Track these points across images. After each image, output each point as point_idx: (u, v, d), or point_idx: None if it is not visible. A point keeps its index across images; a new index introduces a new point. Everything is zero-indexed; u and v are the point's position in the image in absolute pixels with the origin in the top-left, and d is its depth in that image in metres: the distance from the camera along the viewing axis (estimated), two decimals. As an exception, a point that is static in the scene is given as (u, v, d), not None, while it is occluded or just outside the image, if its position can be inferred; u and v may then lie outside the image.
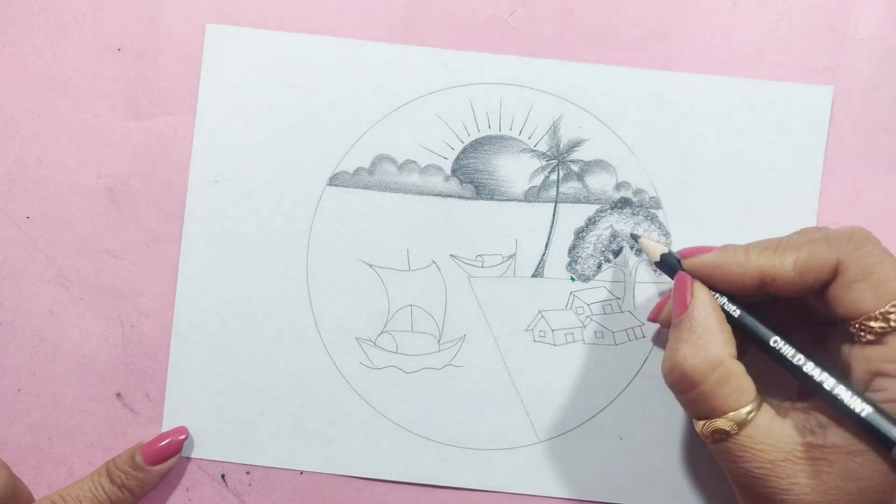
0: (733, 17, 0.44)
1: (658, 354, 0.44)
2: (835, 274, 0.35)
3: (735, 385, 0.35)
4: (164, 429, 0.44)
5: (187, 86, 0.45)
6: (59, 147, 0.45)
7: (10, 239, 0.45)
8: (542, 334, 0.44)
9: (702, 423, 0.36)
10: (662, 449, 0.44)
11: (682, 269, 0.39)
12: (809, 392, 0.36)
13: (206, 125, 0.44)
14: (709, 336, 0.36)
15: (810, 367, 0.35)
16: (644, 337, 0.44)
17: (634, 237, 0.44)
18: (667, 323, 0.40)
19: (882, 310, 0.33)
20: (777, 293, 0.36)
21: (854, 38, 0.44)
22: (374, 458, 0.44)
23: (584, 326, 0.44)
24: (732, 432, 0.35)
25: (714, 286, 0.38)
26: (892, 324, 0.33)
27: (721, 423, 0.35)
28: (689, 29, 0.44)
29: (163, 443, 0.42)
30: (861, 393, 0.34)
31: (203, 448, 0.44)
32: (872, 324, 0.34)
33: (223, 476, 0.45)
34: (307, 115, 0.44)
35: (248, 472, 0.45)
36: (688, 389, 0.36)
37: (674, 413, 0.44)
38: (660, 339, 0.44)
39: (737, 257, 0.37)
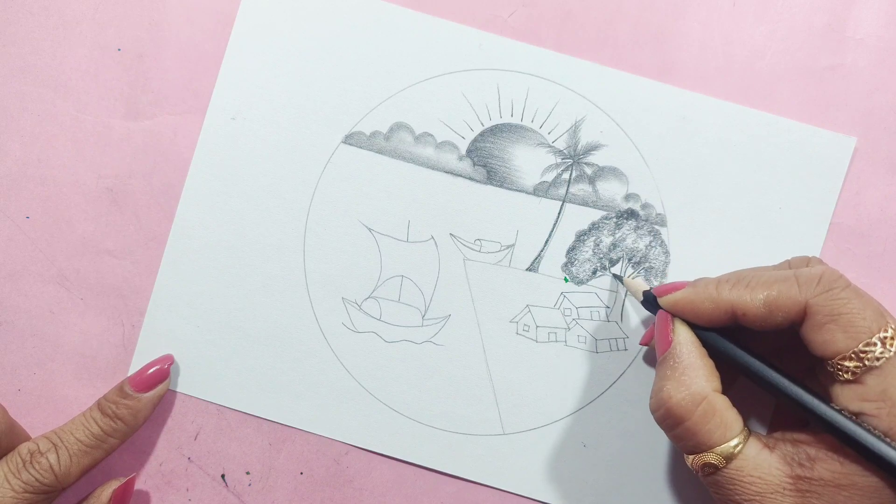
0: (733, 17, 0.44)
1: (636, 371, 0.44)
2: (804, 315, 0.35)
3: (720, 419, 0.35)
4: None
5: (187, 86, 0.45)
6: (59, 147, 0.45)
7: (10, 239, 0.45)
8: (525, 328, 0.44)
9: (691, 457, 0.36)
10: (625, 464, 0.43)
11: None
12: (795, 424, 0.37)
13: (234, 59, 0.44)
14: (691, 372, 0.36)
15: (801, 393, 0.35)
16: (626, 350, 0.44)
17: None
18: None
19: (855, 349, 0.34)
20: (751, 327, 0.37)
21: (854, 38, 0.44)
22: (336, 419, 0.44)
23: (569, 329, 0.44)
24: (721, 466, 0.35)
25: (689, 321, 0.38)
26: (867, 363, 0.34)
27: (709, 457, 0.35)
28: (688, 29, 0.44)
29: (150, 370, 0.42)
30: (851, 418, 0.34)
31: (174, 381, 0.44)
32: (848, 363, 0.34)
33: (223, 476, 0.44)
34: (335, 69, 0.44)
35: (247, 473, 0.44)
36: (675, 426, 0.36)
37: (642, 430, 0.43)
38: (645, 358, 0.44)
39: (708, 292, 0.37)
